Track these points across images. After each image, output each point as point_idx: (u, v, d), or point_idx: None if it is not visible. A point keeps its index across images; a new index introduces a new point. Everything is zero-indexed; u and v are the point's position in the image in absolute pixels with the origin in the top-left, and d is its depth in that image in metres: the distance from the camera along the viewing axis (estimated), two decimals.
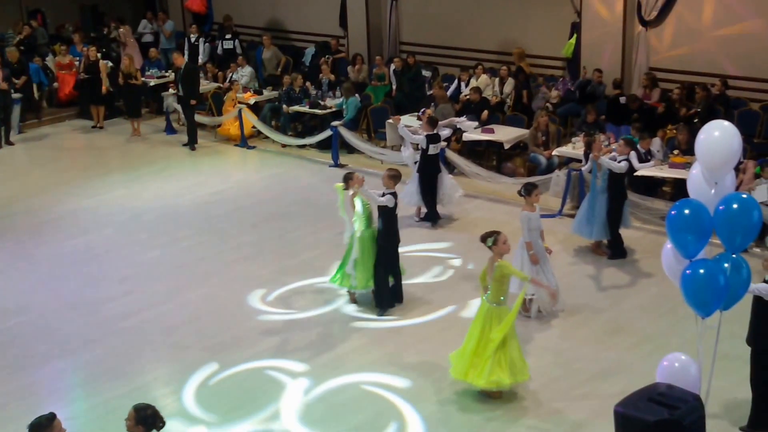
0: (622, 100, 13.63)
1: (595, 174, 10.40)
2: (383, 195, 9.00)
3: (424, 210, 11.73)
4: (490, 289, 7.54)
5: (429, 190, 11.53)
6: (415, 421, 7.42)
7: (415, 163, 11.66)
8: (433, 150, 11.43)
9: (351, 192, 9.03)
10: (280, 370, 8.26)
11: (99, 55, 17.27)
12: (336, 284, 9.45)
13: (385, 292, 9.24)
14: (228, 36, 18.75)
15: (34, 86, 17.27)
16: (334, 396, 7.86)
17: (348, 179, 9.07)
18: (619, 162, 10.24)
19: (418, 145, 11.54)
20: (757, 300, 6.81)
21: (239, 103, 15.72)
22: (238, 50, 18.56)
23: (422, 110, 12.93)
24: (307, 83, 15.95)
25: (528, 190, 8.93)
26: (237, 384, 8.06)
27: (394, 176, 9.20)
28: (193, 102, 15.44)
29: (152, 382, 8.23)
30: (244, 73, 16.81)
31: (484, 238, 7.70)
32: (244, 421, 7.50)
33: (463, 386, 7.79)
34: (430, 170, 11.49)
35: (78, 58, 17.60)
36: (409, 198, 11.54)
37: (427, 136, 11.38)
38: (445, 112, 13.64)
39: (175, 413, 7.56)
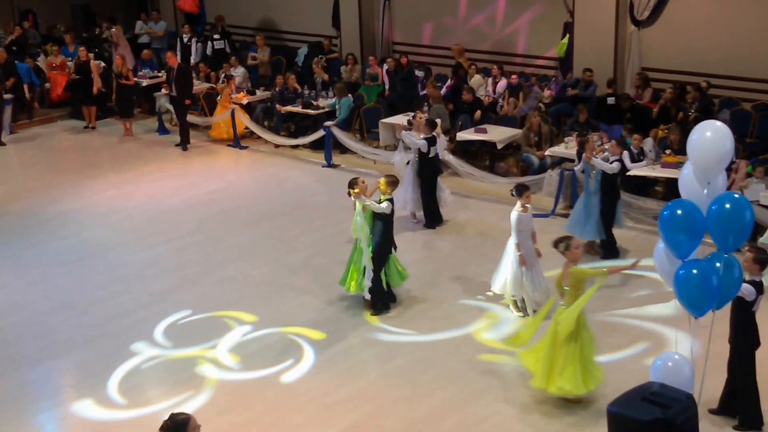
0: (610, 100, 13.63)
1: (588, 174, 10.42)
2: (380, 202, 8.97)
3: (420, 213, 11.67)
4: (567, 295, 7.39)
5: (430, 193, 11.45)
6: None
7: (407, 163, 11.62)
8: (432, 152, 11.37)
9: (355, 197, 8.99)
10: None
11: (91, 55, 17.23)
12: (351, 292, 9.35)
13: (382, 295, 9.23)
14: (217, 36, 18.71)
15: (26, 87, 17.20)
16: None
17: (353, 185, 9.02)
18: (611, 162, 10.25)
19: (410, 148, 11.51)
20: (738, 299, 6.81)
21: (233, 103, 15.68)
22: (228, 50, 18.52)
23: (413, 115, 12.85)
24: (295, 84, 15.90)
25: (519, 191, 8.94)
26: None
27: (393, 182, 9.17)
28: (187, 102, 15.43)
29: (145, 383, 8.20)
30: (236, 74, 16.77)
31: (556, 244, 7.60)
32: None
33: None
34: (430, 173, 11.43)
35: (71, 59, 17.55)
36: (403, 204, 11.51)
37: (427, 139, 11.32)
38: (439, 113, 13.65)
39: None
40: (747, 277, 6.82)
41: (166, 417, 5.21)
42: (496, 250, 10.29)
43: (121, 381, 8.18)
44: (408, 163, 11.68)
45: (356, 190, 8.89)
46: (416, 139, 11.40)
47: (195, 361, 8.47)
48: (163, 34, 19.76)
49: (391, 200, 9.04)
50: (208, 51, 18.49)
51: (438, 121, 12.32)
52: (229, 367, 8.37)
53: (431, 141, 11.34)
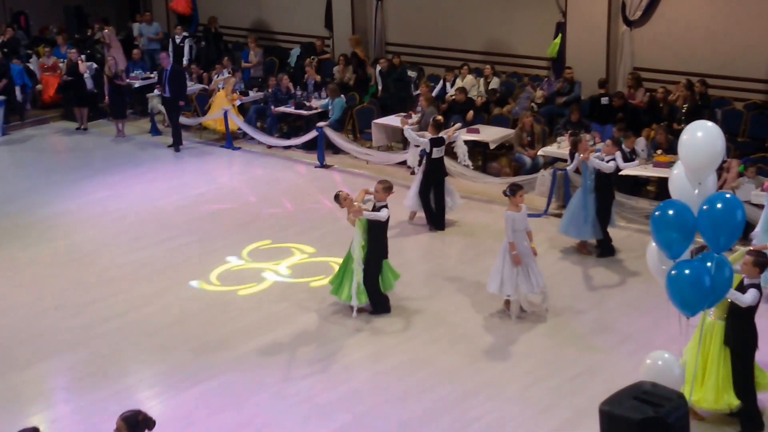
0: (604, 100, 13.65)
1: (584, 174, 10.43)
2: (378, 210, 8.91)
3: (419, 215, 11.63)
4: (716, 306, 6.89)
5: (429, 194, 11.35)
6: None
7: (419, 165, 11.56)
8: (437, 153, 11.26)
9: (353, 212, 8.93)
10: None
11: (82, 57, 17.18)
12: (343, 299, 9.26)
13: (380, 298, 9.19)
14: (182, 35, 18.68)
15: (18, 88, 17.15)
16: None
17: (338, 200, 9.02)
18: (607, 162, 10.27)
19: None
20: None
21: (232, 101, 15.65)
22: (195, 48, 18.46)
23: (433, 117, 12.77)
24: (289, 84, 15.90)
25: (512, 191, 8.94)
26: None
27: (389, 188, 9.11)
28: (181, 103, 15.42)
29: (137, 384, 8.19)
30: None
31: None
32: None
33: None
34: (435, 174, 11.32)
35: (63, 60, 17.51)
36: (409, 201, 11.50)
37: (431, 140, 11.23)
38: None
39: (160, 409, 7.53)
40: (747, 281, 6.79)
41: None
42: (488, 250, 10.34)
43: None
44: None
45: (354, 210, 8.80)
46: (419, 137, 11.37)
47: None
48: (161, 36, 19.68)
49: (385, 206, 9.02)
50: (171, 49, 18.36)
51: (459, 125, 12.21)
52: None
53: (435, 142, 11.28)
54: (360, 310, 9.17)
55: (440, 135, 11.32)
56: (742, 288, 6.75)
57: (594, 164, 10.20)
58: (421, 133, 11.72)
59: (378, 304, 9.19)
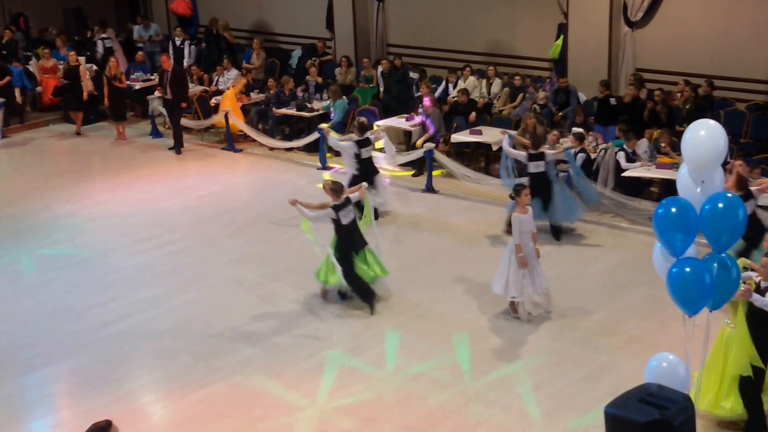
0: (613, 101, 13.61)
1: (550, 165, 10.94)
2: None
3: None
4: (730, 313, 6.92)
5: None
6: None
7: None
8: (366, 154, 11.54)
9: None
10: None
11: (82, 59, 17.14)
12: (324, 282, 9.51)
13: (362, 285, 9.37)
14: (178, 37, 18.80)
15: (18, 90, 17.11)
16: None
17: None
18: (577, 154, 11.15)
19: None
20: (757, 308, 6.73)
21: (240, 100, 15.63)
22: (186, 50, 18.50)
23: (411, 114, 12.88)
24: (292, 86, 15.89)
25: (517, 191, 8.93)
26: None
27: (333, 189, 9.57)
28: (183, 105, 15.39)
29: (139, 389, 8.15)
30: (230, 77, 16.73)
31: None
32: None
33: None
34: (367, 174, 11.45)
35: (62, 62, 17.48)
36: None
37: (357, 142, 11.51)
38: (435, 118, 13.72)
39: (162, 414, 7.51)
40: (764, 284, 6.73)
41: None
42: (492, 252, 10.32)
43: None
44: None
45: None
46: (340, 142, 11.79)
47: None
48: (162, 38, 19.66)
49: (334, 207, 9.27)
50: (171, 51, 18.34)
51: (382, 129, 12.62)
52: None
53: (361, 143, 11.50)
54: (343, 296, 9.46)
55: (366, 136, 11.59)
56: (759, 291, 6.71)
57: (510, 154, 10.94)
58: (347, 136, 12.08)
59: (362, 291, 9.33)
